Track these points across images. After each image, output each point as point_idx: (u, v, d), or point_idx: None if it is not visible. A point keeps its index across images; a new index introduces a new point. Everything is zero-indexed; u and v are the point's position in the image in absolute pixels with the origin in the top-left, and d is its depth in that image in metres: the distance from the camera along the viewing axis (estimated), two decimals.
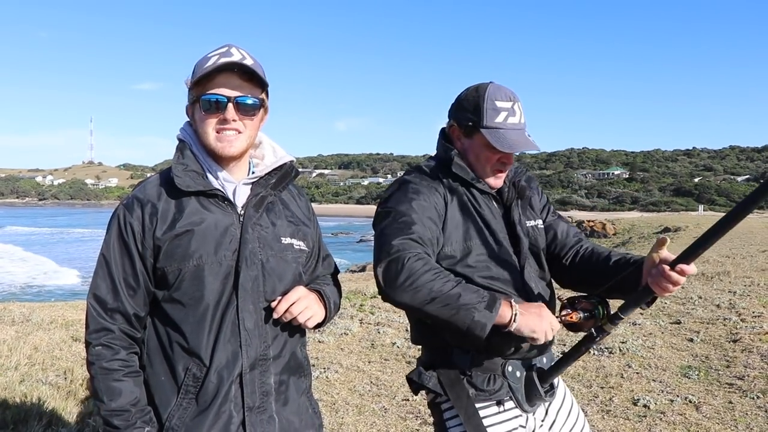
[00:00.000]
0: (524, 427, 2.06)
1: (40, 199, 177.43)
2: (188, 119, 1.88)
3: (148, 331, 1.80)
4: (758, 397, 4.77)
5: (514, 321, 1.83)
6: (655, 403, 4.77)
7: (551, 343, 2.16)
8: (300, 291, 1.81)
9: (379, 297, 2.01)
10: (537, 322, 1.85)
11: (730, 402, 4.75)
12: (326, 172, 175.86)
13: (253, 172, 1.91)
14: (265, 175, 1.89)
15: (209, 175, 1.81)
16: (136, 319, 1.76)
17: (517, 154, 2.11)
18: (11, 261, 39.95)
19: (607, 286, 2.01)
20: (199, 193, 1.77)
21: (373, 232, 2.09)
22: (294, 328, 1.86)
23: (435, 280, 1.83)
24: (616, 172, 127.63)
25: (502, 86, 2.10)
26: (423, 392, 2.15)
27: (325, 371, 5.82)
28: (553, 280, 2.28)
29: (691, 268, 1.78)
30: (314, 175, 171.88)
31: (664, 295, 1.84)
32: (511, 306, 1.84)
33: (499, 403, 2.04)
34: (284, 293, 1.81)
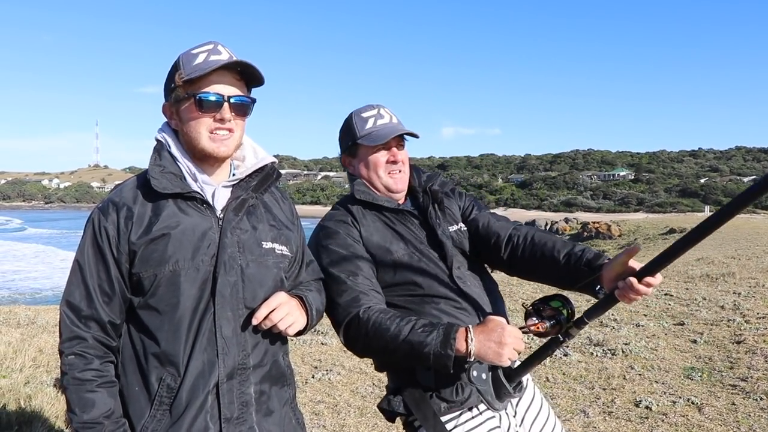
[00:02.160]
0: (499, 427, 2.07)
1: (47, 203, 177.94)
2: (166, 119, 1.82)
3: (123, 339, 1.73)
4: (761, 399, 4.75)
5: (471, 352, 1.81)
6: (658, 405, 4.76)
7: None
8: (281, 297, 1.75)
9: None
10: (495, 348, 1.80)
11: (733, 404, 4.74)
12: (331, 174, 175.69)
13: (233, 174, 1.85)
14: (246, 177, 1.84)
15: (188, 178, 1.75)
16: (111, 326, 1.69)
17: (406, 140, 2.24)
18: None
19: (569, 288, 2.06)
20: (176, 195, 1.71)
21: None
22: (275, 336, 1.80)
23: (387, 332, 1.89)
24: (621, 174, 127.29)
25: (365, 104, 2.28)
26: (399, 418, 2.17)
27: (327, 373, 5.85)
28: (495, 270, 2.32)
29: (657, 279, 1.80)
30: (319, 177, 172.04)
31: (629, 304, 1.87)
32: (466, 339, 1.81)
33: (471, 408, 2.05)
34: (265, 300, 1.75)
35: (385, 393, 2.21)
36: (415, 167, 2.34)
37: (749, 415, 4.50)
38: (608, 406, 4.83)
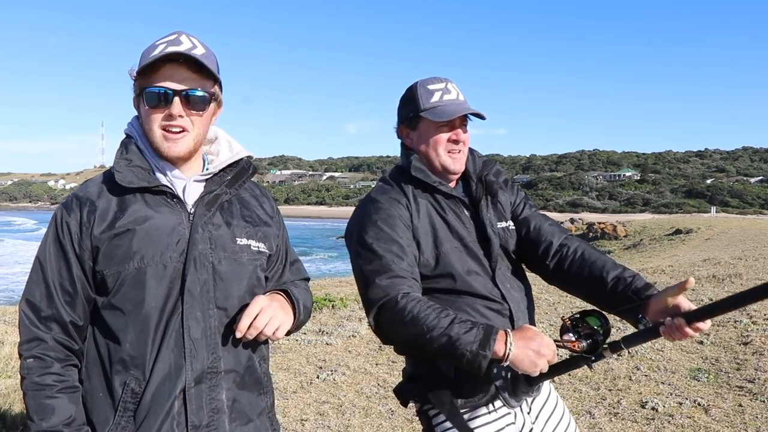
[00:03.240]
0: (514, 423, 2.04)
1: (53, 203, 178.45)
2: (136, 113, 1.74)
3: (87, 342, 1.63)
4: None
5: (507, 357, 1.76)
6: (664, 406, 4.73)
7: None
8: (260, 302, 1.63)
9: None
10: (533, 357, 1.75)
11: (740, 405, 4.71)
12: (336, 174, 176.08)
13: (207, 169, 1.76)
14: (220, 171, 1.75)
15: (157, 172, 1.66)
16: (73, 327, 1.59)
17: (469, 120, 2.13)
18: None
19: (608, 310, 1.96)
20: (143, 190, 1.62)
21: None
22: (251, 340, 1.67)
23: (425, 321, 1.80)
24: (627, 174, 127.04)
25: (433, 75, 2.16)
26: (412, 402, 2.15)
27: (332, 373, 5.84)
28: (533, 273, 2.23)
29: (706, 325, 1.74)
30: (324, 177, 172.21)
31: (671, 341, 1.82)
32: (506, 343, 1.75)
33: (487, 404, 2.02)
34: (240, 299, 1.66)
35: (390, 392, 2.19)
36: (472, 150, 2.23)
37: (756, 417, 4.47)
38: (614, 407, 4.80)
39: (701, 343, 6.38)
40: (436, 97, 2.08)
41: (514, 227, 2.21)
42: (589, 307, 1.99)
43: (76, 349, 1.61)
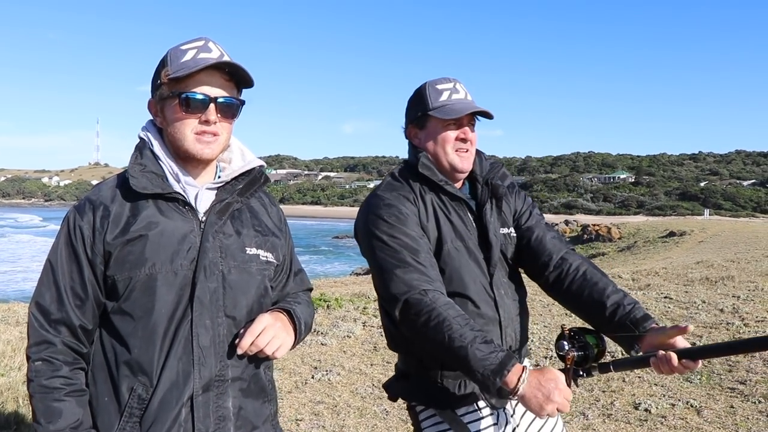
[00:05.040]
0: (497, 424, 2.07)
1: (46, 200, 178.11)
2: (151, 116, 1.75)
3: (94, 346, 1.64)
4: (760, 402, 4.76)
5: (517, 392, 1.73)
6: (657, 408, 4.77)
7: (525, 343, 2.20)
8: (264, 320, 1.64)
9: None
10: (541, 400, 1.71)
11: (732, 406, 4.75)
12: (332, 174, 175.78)
13: (219, 176, 1.77)
14: (232, 180, 1.75)
15: (170, 178, 1.66)
16: (82, 331, 1.60)
17: (477, 121, 2.14)
18: None
19: (602, 332, 1.97)
20: (156, 196, 1.63)
21: (362, 254, 2.10)
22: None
23: (449, 330, 1.79)
24: (621, 176, 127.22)
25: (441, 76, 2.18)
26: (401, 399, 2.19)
27: (327, 374, 5.85)
28: (528, 277, 2.25)
29: (696, 365, 1.77)
30: (320, 177, 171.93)
31: (659, 374, 1.84)
32: (519, 378, 1.72)
33: (471, 404, 2.05)
34: (248, 308, 1.68)
35: (385, 395, 2.23)
36: (479, 152, 2.24)
37: (747, 418, 4.51)
38: (607, 409, 4.83)
39: (694, 345, 6.39)
40: (444, 96, 2.10)
41: (515, 234, 2.21)
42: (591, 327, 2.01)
43: (84, 352, 1.62)
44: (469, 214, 2.14)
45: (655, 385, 5.31)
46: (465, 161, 2.12)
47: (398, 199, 2.06)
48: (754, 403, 4.77)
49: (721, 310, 7.96)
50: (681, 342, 1.82)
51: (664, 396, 5.04)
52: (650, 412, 4.72)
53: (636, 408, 4.82)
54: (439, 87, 2.12)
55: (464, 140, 2.10)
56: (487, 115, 2.12)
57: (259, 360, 1.73)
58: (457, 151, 2.10)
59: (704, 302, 8.55)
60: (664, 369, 1.76)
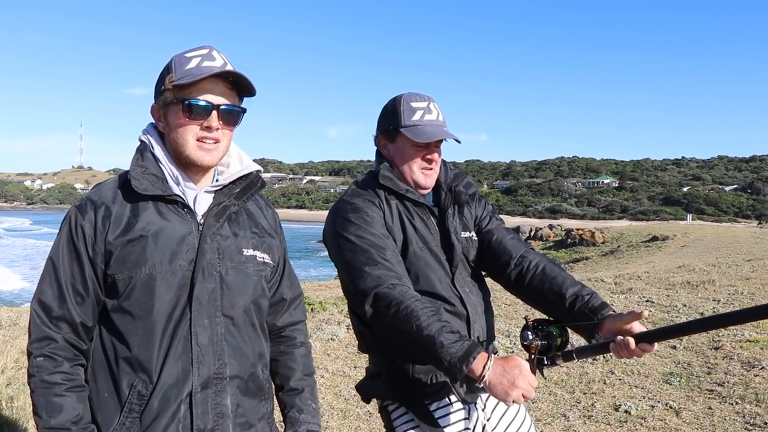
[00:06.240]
0: (468, 419, 2.13)
1: (29, 204, 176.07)
2: (153, 120, 1.79)
3: (94, 342, 1.67)
4: (737, 403, 4.85)
5: (482, 379, 1.80)
6: (636, 409, 4.84)
7: (492, 340, 2.26)
8: None
9: None
10: (506, 386, 1.78)
11: (710, 408, 4.84)
12: (317, 178, 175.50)
13: (217, 180, 1.81)
14: (230, 183, 1.80)
15: (170, 181, 1.71)
16: (83, 328, 1.63)
17: (444, 141, 2.21)
18: None
19: (564, 323, 2.06)
20: (157, 198, 1.67)
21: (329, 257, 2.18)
22: (255, 347, 1.77)
23: (416, 321, 1.86)
24: (605, 181, 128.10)
25: (417, 92, 2.23)
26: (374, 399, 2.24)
27: None
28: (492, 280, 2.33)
29: (652, 347, 1.85)
30: (305, 181, 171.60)
31: (619, 358, 1.91)
32: (484, 366, 1.79)
33: (442, 398, 2.12)
34: (246, 308, 1.73)
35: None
36: (445, 162, 2.32)
37: (725, 419, 4.59)
38: (588, 410, 4.90)
39: (674, 348, 6.50)
40: (417, 116, 2.16)
41: (476, 238, 2.30)
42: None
43: (84, 349, 1.65)
44: (432, 218, 2.22)
45: (635, 387, 5.39)
46: (429, 179, 2.22)
47: (365, 203, 2.14)
48: (732, 404, 4.86)
49: (702, 314, 8.07)
50: (638, 327, 1.90)
51: (644, 398, 5.12)
52: (630, 413, 4.79)
53: (616, 409, 4.90)
54: (413, 105, 2.18)
55: (430, 161, 2.19)
56: (456, 140, 2.21)
57: (257, 359, 1.78)
58: (422, 169, 2.19)
59: (685, 306, 8.68)
60: (623, 353, 1.84)
